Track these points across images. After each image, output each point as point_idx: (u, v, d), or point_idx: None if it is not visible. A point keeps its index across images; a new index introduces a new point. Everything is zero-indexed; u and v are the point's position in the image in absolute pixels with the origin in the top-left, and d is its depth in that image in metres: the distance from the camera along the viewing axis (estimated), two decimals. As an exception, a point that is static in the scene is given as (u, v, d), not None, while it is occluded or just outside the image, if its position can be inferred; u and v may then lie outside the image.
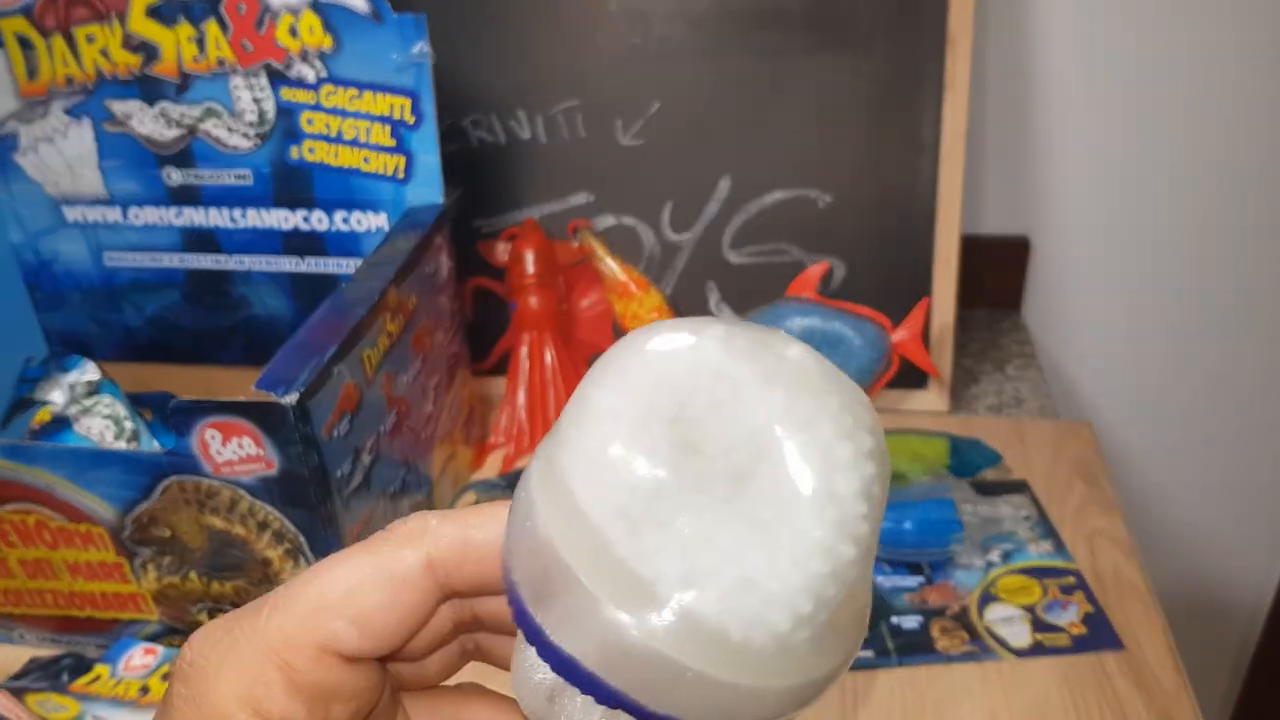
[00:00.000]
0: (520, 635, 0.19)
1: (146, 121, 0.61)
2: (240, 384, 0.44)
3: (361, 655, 0.20)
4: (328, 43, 0.57)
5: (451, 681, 0.24)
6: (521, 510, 0.18)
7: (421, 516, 0.21)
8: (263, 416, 0.43)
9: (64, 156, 0.63)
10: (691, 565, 0.17)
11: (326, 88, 0.58)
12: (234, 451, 0.44)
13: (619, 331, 0.72)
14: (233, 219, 0.63)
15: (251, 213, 0.63)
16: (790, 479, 0.17)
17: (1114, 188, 0.80)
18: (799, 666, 0.17)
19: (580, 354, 0.73)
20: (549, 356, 0.69)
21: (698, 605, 0.17)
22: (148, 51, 0.59)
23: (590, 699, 0.18)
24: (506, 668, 0.21)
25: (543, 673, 0.19)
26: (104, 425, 0.57)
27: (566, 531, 0.17)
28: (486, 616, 0.22)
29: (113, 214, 0.64)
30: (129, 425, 0.57)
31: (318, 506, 0.45)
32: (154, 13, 0.58)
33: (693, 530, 0.17)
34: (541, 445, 0.19)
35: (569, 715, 0.19)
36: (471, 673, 0.24)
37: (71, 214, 0.65)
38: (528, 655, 0.19)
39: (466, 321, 0.67)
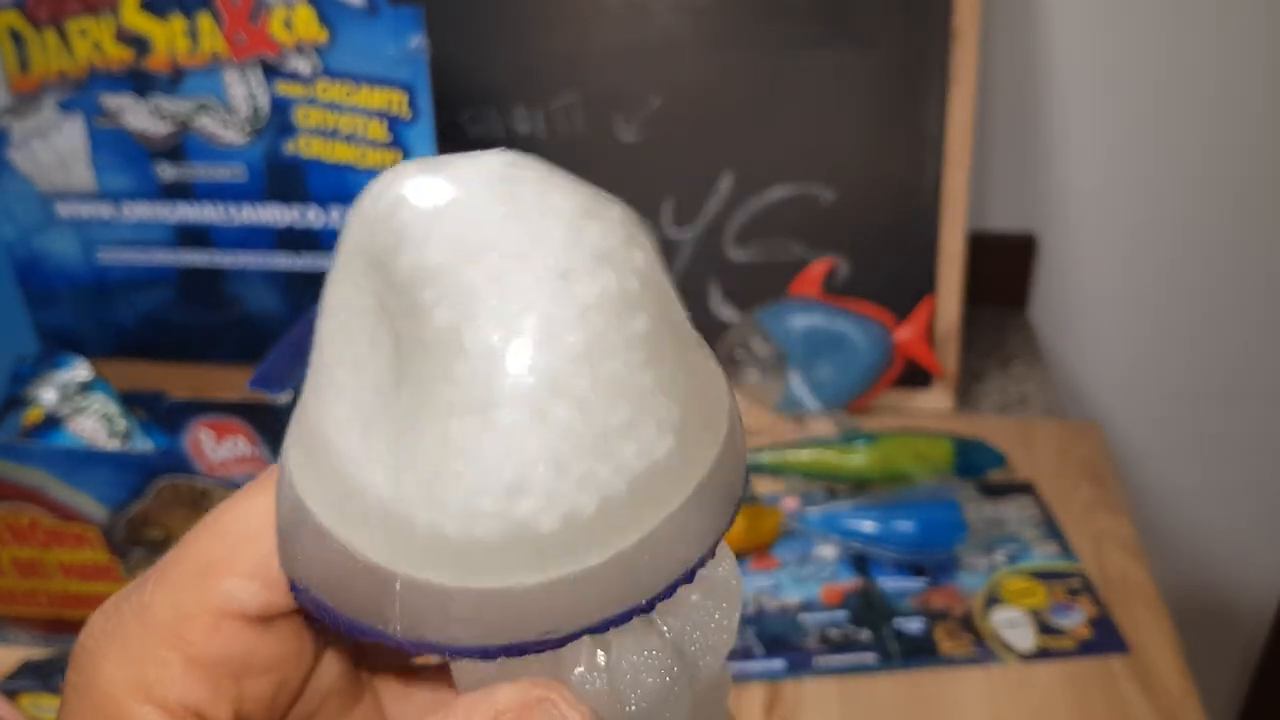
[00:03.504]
0: None
1: (139, 116, 0.61)
2: (233, 382, 0.44)
3: (269, 611, 0.17)
4: (322, 36, 0.56)
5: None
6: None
7: None
8: (256, 416, 0.42)
9: (56, 152, 0.62)
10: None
11: (321, 81, 0.57)
12: (227, 451, 0.44)
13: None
14: (226, 215, 0.63)
15: (245, 208, 0.62)
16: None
17: (1122, 184, 0.79)
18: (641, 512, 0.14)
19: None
20: (548, 354, 0.69)
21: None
22: (140, 45, 0.59)
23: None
24: None
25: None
26: (96, 424, 0.56)
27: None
28: None
29: (105, 210, 0.64)
30: (121, 424, 0.57)
31: (311, 508, 0.45)
32: (147, 6, 0.58)
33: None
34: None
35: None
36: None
37: (63, 210, 0.64)
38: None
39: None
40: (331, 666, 0.20)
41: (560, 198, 0.15)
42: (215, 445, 0.44)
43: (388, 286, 0.15)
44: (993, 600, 0.54)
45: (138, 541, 0.48)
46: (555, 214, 0.15)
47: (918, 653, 0.51)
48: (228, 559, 0.17)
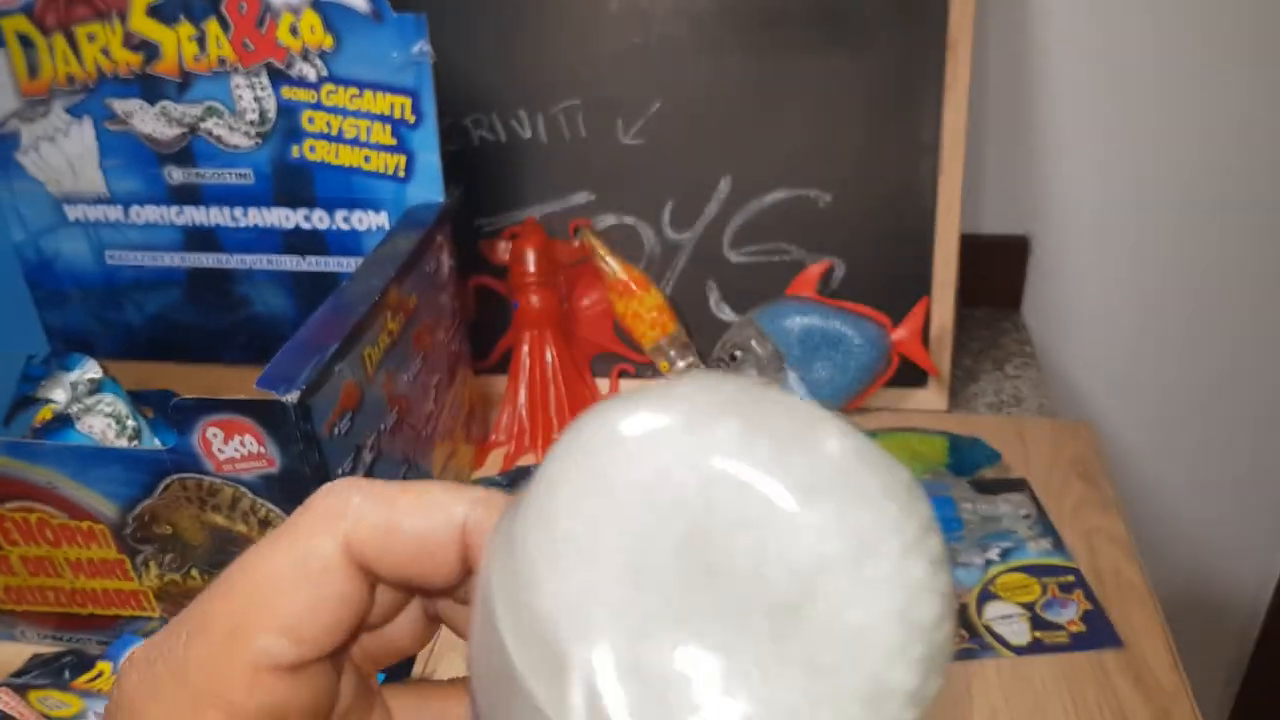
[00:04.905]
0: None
1: (148, 120, 0.61)
2: (242, 382, 0.44)
3: (302, 662, 0.18)
4: (328, 42, 0.57)
5: (446, 675, 0.22)
6: (494, 664, 0.15)
7: (345, 488, 0.18)
8: (264, 415, 0.43)
9: (65, 155, 0.63)
10: None
11: (327, 86, 0.58)
12: (235, 449, 0.44)
13: (619, 330, 0.73)
14: (234, 218, 0.63)
15: (253, 211, 0.63)
16: (855, 611, 0.14)
17: (1113, 187, 0.80)
18: None
19: (581, 352, 0.73)
20: (550, 355, 0.69)
21: None
22: (149, 50, 0.59)
23: None
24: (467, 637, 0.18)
25: None
26: (106, 423, 0.57)
27: (564, 711, 0.14)
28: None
29: (114, 213, 0.64)
30: (131, 423, 0.57)
31: (319, 504, 0.45)
32: (155, 11, 0.58)
33: (733, 680, 0.13)
34: (500, 566, 0.15)
35: None
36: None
37: (73, 212, 0.65)
38: None
39: (469, 320, 0.67)
40: (349, 686, 0.20)
41: None
42: (224, 444, 0.44)
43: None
44: (987, 595, 0.55)
45: (147, 539, 0.49)
46: None
47: (913, 647, 0.52)
48: (257, 616, 0.17)
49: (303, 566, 0.17)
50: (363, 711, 0.20)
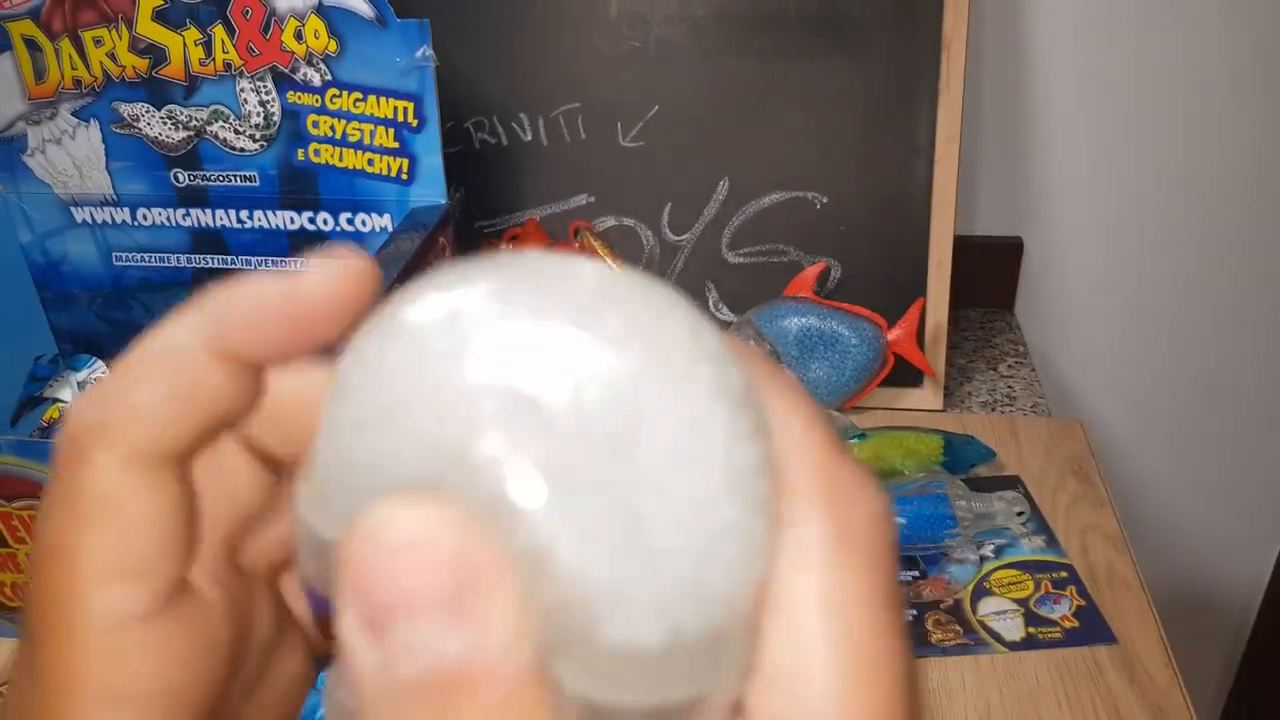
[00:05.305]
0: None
1: (154, 124, 0.62)
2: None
3: (161, 596, 0.14)
4: (332, 47, 0.58)
5: None
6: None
7: (100, 390, 0.14)
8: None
9: (72, 158, 0.63)
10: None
11: (331, 91, 0.59)
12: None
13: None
14: (239, 220, 0.64)
15: (258, 214, 0.63)
16: (681, 410, 0.13)
17: (1106, 189, 0.81)
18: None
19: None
20: (550, 355, 0.70)
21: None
22: (155, 55, 0.60)
23: None
24: None
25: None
26: (112, 423, 0.57)
27: None
28: None
29: (121, 215, 0.65)
30: (137, 423, 0.58)
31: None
32: (161, 16, 0.59)
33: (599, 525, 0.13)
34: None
35: None
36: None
37: (80, 215, 0.65)
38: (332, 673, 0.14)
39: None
40: (265, 613, 0.17)
41: None
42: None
43: None
44: (981, 591, 0.55)
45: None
46: None
47: (909, 641, 0.52)
48: (74, 577, 0.13)
49: (95, 490, 0.13)
50: (291, 637, 0.17)
